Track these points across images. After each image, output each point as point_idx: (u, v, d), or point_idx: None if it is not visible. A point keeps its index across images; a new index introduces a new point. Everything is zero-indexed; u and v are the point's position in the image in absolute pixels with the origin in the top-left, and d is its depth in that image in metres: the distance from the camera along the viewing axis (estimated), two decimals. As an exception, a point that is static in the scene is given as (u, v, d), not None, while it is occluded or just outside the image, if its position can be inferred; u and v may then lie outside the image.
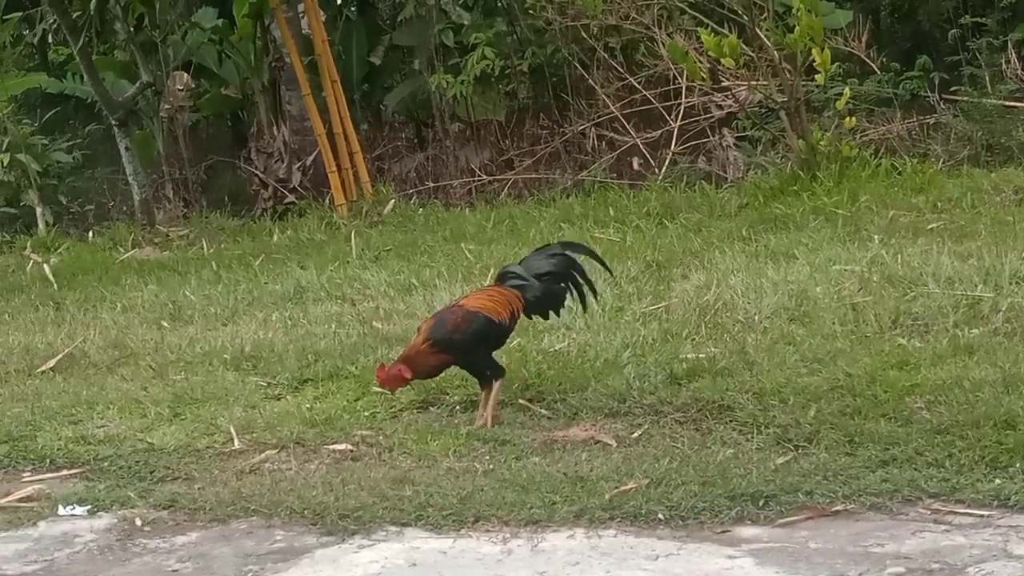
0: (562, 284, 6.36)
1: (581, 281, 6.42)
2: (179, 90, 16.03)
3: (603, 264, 6.90)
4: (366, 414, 6.22)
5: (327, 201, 13.64)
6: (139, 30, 15.02)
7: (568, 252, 6.46)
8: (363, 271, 9.76)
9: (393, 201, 13.16)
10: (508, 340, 6.37)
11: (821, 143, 10.99)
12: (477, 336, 6.04)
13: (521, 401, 6.14)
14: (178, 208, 15.03)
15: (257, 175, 15.09)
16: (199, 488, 5.39)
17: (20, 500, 5.43)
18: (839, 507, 4.76)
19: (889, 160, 11.08)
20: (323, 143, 13.59)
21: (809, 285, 7.56)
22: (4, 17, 14.89)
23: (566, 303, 6.49)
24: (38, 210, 14.44)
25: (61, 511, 5.26)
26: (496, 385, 6.03)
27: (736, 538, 4.61)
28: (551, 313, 6.47)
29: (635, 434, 5.64)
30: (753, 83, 11.83)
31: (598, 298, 6.81)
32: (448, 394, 6.36)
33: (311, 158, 14.60)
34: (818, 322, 6.88)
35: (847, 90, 11.31)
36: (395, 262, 10.08)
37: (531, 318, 6.44)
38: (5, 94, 14.78)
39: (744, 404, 5.75)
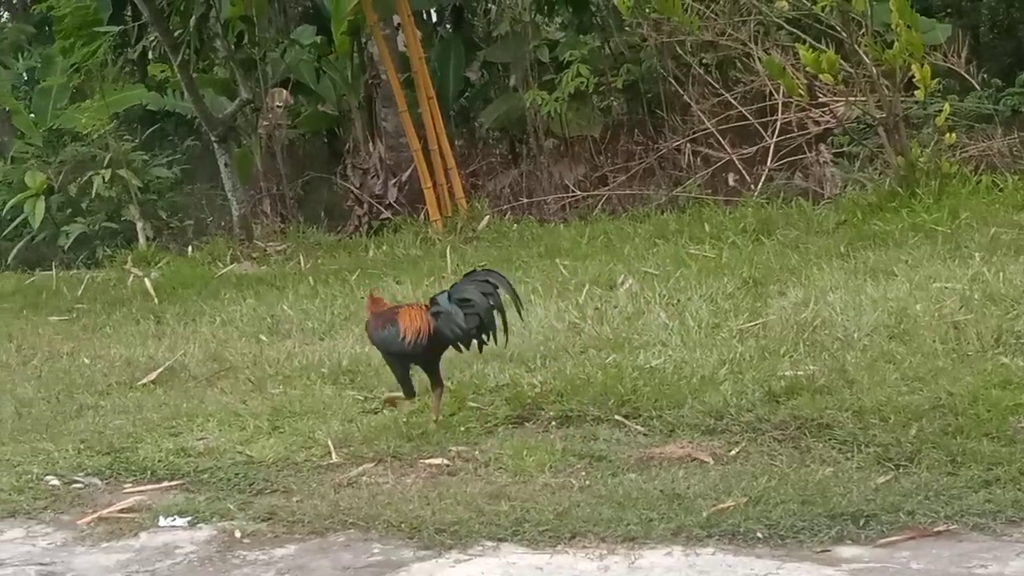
0: (476, 317, 6.23)
1: (495, 309, 6.29)
2: (277, 107, 16.20)
3: (516, 300, 6.54)
4: (461, 429, 6.22)
5: (422, 217, 13.71)
6: (239, 47, 15.22)
7: (490, 280, 6.35)
8: (457, 286, 9.76)
9: (488, 217, 13.20)
10: (428, 361, 6.36)
11: (920, 159, 10.86)
12: (382, 342, 6.41)
13: (617, 417, 6.11)
14: (275, 223, 15.19)
15: (353, 191, 15.20)
16: (297, 501, 5.42)
17: (122, 511, 5.47)
18: (941, 527, 4.68)
19: (990, 177, 10.91)
20: (419, 159, 13.66)
21: (909, 303, 7.45)
22: (105, 33, 15.13)
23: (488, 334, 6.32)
24: (139, 225, 14.68)
25: (162, 522, 5.31)
26: (404, 400, 6.46)
27: (836, 558, 4.54)
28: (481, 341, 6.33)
29: (733, 451, 5.59)
30: (851, 99, 11.70)
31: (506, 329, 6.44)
32: (544, 410, 6.34)
33: (406, 174, 14.69)
34: (918, 340, 6.78)
35: (947, 106, 11.16)
36: (490, 277, 10.07)
37: (460, 348, 6.33)
38: (107, 111, 15.01)
39: (843, 422, 5.67)
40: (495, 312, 6.28)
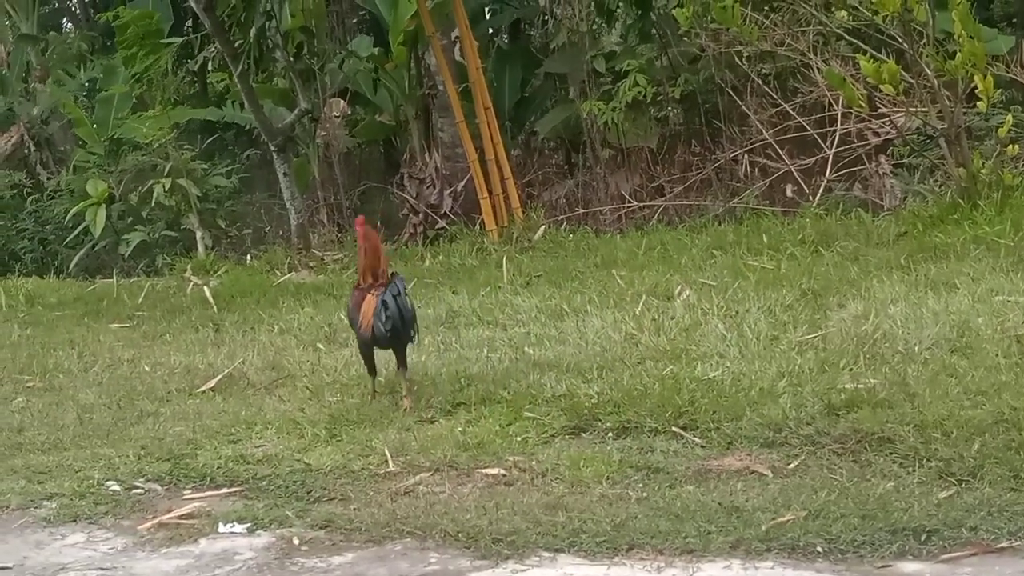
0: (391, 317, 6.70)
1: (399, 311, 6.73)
2: (335, 117, 16.30)
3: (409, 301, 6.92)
4: (518, 439, 6.21)
5: (478, 227, 13.71)
6: (298, 58, 15.31)
7: (396, 283, 6.85)
8: (514, 296, 9.78)
9: (544, 227, 13.18)
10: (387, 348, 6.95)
11: (982, 171, 10.73)
12: (352, 323, 7.02)
13: (674, 429, 6.08)
14: (332, 232, 15.25)
15: (409, 201, 15.24)
16: (355, 509, 5.42)
17: (181, 517, 5.50)
18: (1004, 544, 4.62)
19: (1053, 188, 10.78)
20: (475, 169, 13.67)
21: (971, 316, 7.38)
22: (167, 44, 15.28)
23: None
24: (198, 234, 14.78)
25: (221, 529, 5.33)
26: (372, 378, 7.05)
27: (897, 573, 4.50)
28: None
29: (792, 465, 5.54)
30: (912, 110, 11.60)
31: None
32: (600, 420, 6.32)
33: (462, 184, 14.71)
34: (981, 354, 6.70)
35: (1009, 117, 11.02)
36: (546, 288, 10.08)
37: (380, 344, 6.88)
38: (168, 120, 15.13)
39: (905, 436, 5.61)
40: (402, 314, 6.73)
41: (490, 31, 18.71)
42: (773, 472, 5.48)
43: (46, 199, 17.12)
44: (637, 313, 8.53)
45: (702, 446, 5.89)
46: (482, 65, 14.41)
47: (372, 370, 7.08)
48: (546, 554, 4.81)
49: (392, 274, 7.05)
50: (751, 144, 13.65)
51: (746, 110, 13.62)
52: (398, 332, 6.75)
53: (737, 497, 5.18)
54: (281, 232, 15.66)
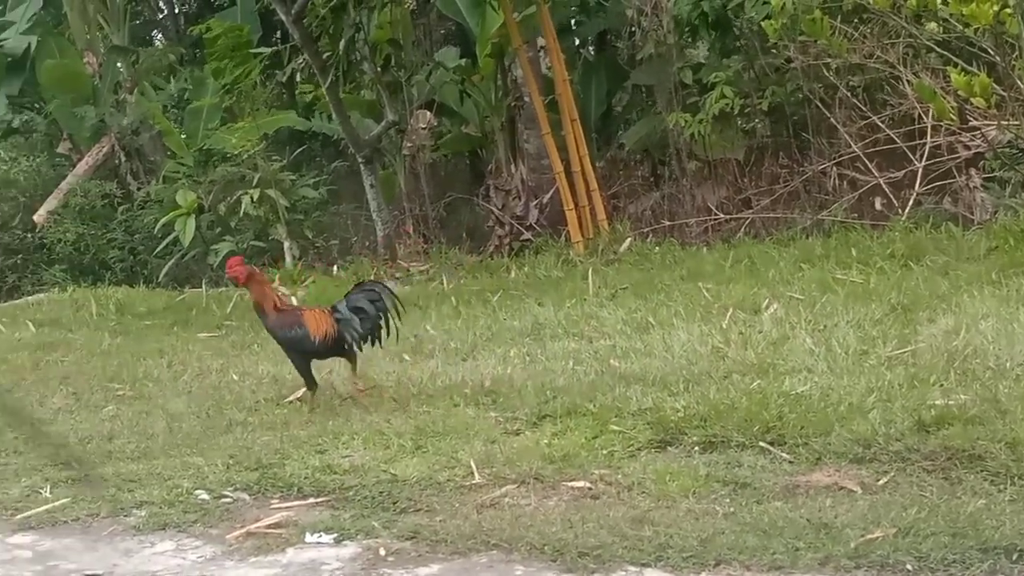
0: (369, 321, 7.52)
1: (382, 314, 7.56)
2: (422, 128, 16.37)
3: (397, 303, 7.78)
4: (604, 452, 6.20)
5: (563, 238, 13.72)
6: (385, 70, 15.42)
7: (375, 289, 7.69)
8: (600, 309, 9.78)
9: (630, 239, 13.17)
10: (323, 359, 7.72)
11: (1075, 185, 10.58)
12: (289, 341, 7.56)
13: (762, 444, 6.04)
14: (418, 244, 15.32)
15: (494, 212, 15.28)
16: (440, 520, 5.44)
17: (269, 527, 5.55)
18: (1098, 564, 4.54)
19: None
20: (561, 181, 13.68)
21: (1064, 332, 7.27)
22: (256, 55, 15.44)
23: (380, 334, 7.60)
24: (285, 244, 14.91)
25: (308, 538, 5.37)
26: (306, 392, 7.63)
27: (988, 592, 4.44)
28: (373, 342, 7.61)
29: (881, 481, 5.48)
30: (1003, 123, 11.45)
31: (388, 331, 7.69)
32: (687, 434, 6.29)
33: (548, 196, 14.73)
34: (1074, 370, 6.61)
35: (1102, 131, 10.87)
36: (632, 300, 10.06)
37: (353, 350, 7.55)
38: (257, 131, 15.29)
39: (996, 454, 5.54)
40: (382, 317, 7.56)
41: (576, 43, 18.71)
42: (862, 488, 5.42)
43: (136, 209, 17.38)
44: (724, 326, 8.50)
45: (790, 461, 5.84)
46: (568, 77, 14.42)
47: (313, 383, 7.63)
48: (632, 568, 4.80)
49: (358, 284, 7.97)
50: (839, 157, 13.52)
51: (834, 122, 13.49)
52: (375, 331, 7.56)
53: (826, 513, 5.13)
54: (367, 243, 15.78)
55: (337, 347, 7.55)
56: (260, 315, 7.81)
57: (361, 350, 7.60)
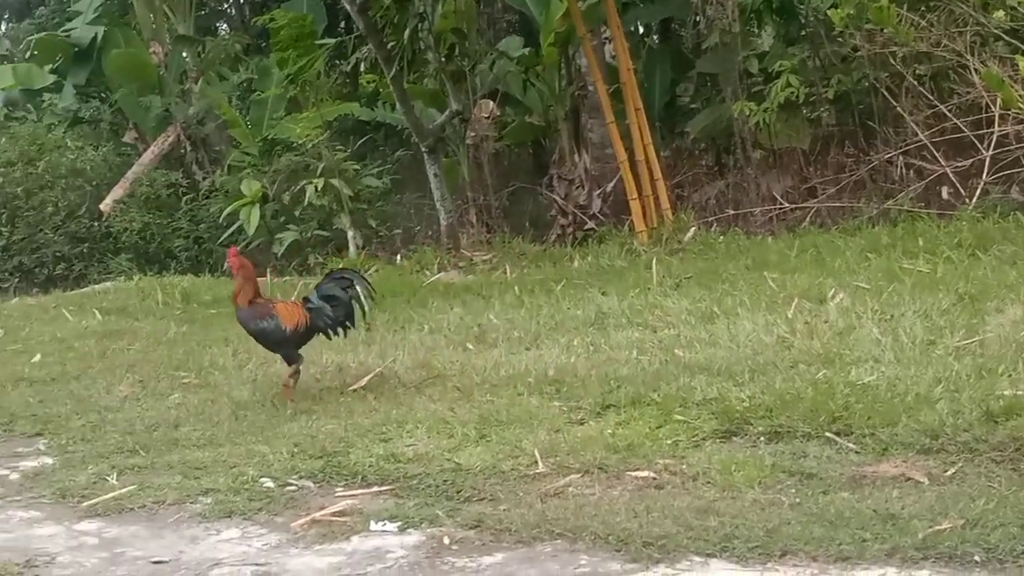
0: (342, 308, 7.78)
1: (356, 302, 7.83)
2: (485, 118, 16.37)
3: (370, 288, 8.17)
4: (668, 442, 6.18)
5: (627, 228, 13.69)
6: (449, 59, 15.43)
7: (346, 276, 7.98)
8: (664, 298, 9.74)
9: (694, 228, 13.12)
10: (302, 346, 7.83)
11: None
12: (261, 332, 7.77)
13: (828, 434, 5.99)
14: (481, 233, 15.34)
15: (558, 202, 15.27)
16: (504, 509, 5.43)
17: (334, 515, 5.57)
18: None
19: None
20: (625, 170, 13.65)
21: None
22: (321, 46, 15.49)
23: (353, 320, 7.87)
24: (349, 233, 14.96)
25: (373, 527, 5.38)
26: (289, 367, 7.80)
27: (1059, 585, 4.38)
28: (346, 327, 7.87)
29: (949, 472, 5.42)
30: (1073, 111, 11.31)
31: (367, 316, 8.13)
32: (752, 424, 6.26)
33: (611, 185, 14.70)
34: None
35: None
36: (696, 290, 10.03)
37: (330, 335, 7.87)
38: (320, 121, 15.35)
39: (1066, 445, 5.47)
40: (354, 303, 7.81)
41: (641, 31, 18.63)
42: (929, 479, 5.37)
43: (201, 199, 17.51)
44: (789, 316, 8.45)
45: (856, 452, 5.79)
46: (632, 66, 14.37)
47: (297, 358, 7.84)
48: (697, 559, 4.77)
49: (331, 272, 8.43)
50: (906, 145, 13.40)
51: (901, 111, 13.37)
52: (348, 317, 7.83)
53: (893, 504, 5.08)
54: (430, 232, 15.82)
55: (309, 335, 7.83)
56: (234, 306, 8.04)
57: (331, 337, 7.91)
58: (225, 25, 23.82)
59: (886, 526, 4.84)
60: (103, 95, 19.64)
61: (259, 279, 9.26)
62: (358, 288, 7.89)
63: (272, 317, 7.74)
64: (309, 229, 15.41)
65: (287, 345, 7.79)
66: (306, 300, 7.87)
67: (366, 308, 7.97)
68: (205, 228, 17.23)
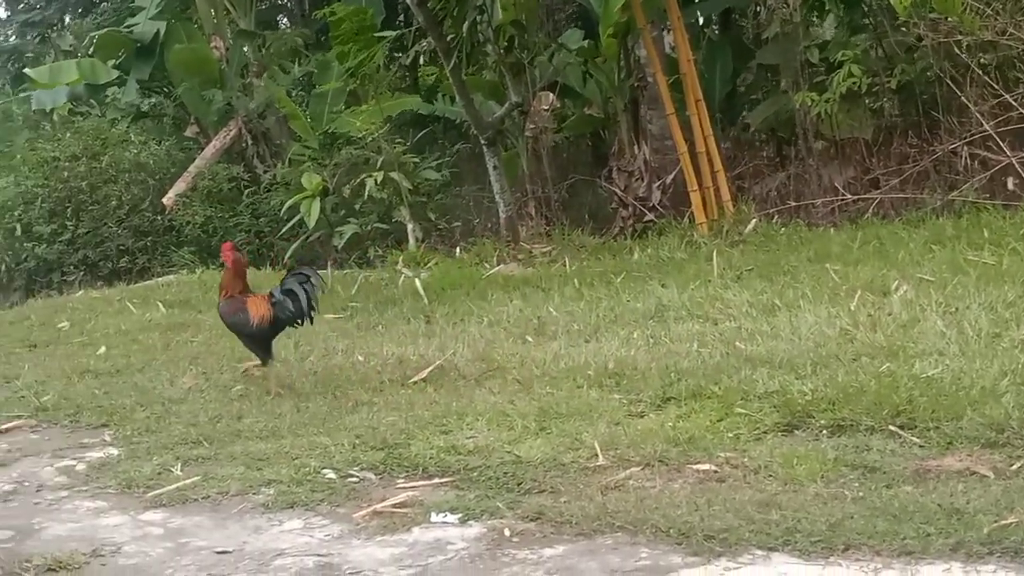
0: (297, 301, 8.11)
1: (310, 296, 8.15)
2: (544, 110, 16.36)
3: (322, 283, 8.96)
4: (729, 435, 6.16)
5: (687, 220, 13.63)
6: (508, 52, 15.42)
7: (304, 272, 8.34)
8: (724, 290, 9.70)
9: (755, 220, 13.05)
10: (272, 338, 8.28)
11: None
12: (235, 325, 8.26)
13: (891, 427, 5.94)
14: (540, 226, 15.33)
15: (617, 194, 15.23)
16: (565, 502, 5.43)
17: (395, 506, 5.59)
18: None
19: None
20: (685, 162, 13.60)
21: None
22: (381, 39, 15.52)
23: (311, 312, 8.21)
24: (409, 226, 14.98)
25: (434, 518, 5.40)
26: (254, 364, 8.43)
27: None
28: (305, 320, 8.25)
29: (1015, 466, 5.36)
30: None
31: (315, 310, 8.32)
32: (814, 418, 6.22)
33: (671, 177, 14.64)
34: None
35: None
36: (757, 282, 9.98)
37: (295, 325, 8.27)
38: (381, 115, 15.39)
39: None
40: (311, 297, 8.16)
41: (700, 22, 18.55)
42: (995, 473, 5.31)
43: (262, 192, 17.62)
44: (852, 308, 8.39)
45: (920, 446, 5.74)
46: (692, 57, 14.31)
47: (268, 359, 8.30)
48: (759, 552, 4.75)
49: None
50: (971, 136, 13.26)
51: (965, 101, 13.23)
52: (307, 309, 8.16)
53: (957, 498, 5.03)
54: (490, 225, 15.84)
55: (277, 327, 8.23)
56: (218, 299, 8.50)
57: (297, 326, 8.30)
58: (285, 19, 23.95)
59: (951, 520, 4.80)
60: (166, 90, 19.80)
61: (321, 271, 9.50)
62: (314, 282, 8.27)
63: (244, 311, 8.16)
64: (369, 222, 15.43)
65: (255, 339, 8.24)
66: (270, 295, 8.21)
67: (316, 301, 8.30)
68: (266, 222, 17.36)
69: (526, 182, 16.32)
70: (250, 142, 18.57)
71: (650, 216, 14.71)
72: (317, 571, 4.95)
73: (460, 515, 5.41)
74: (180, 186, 17.82)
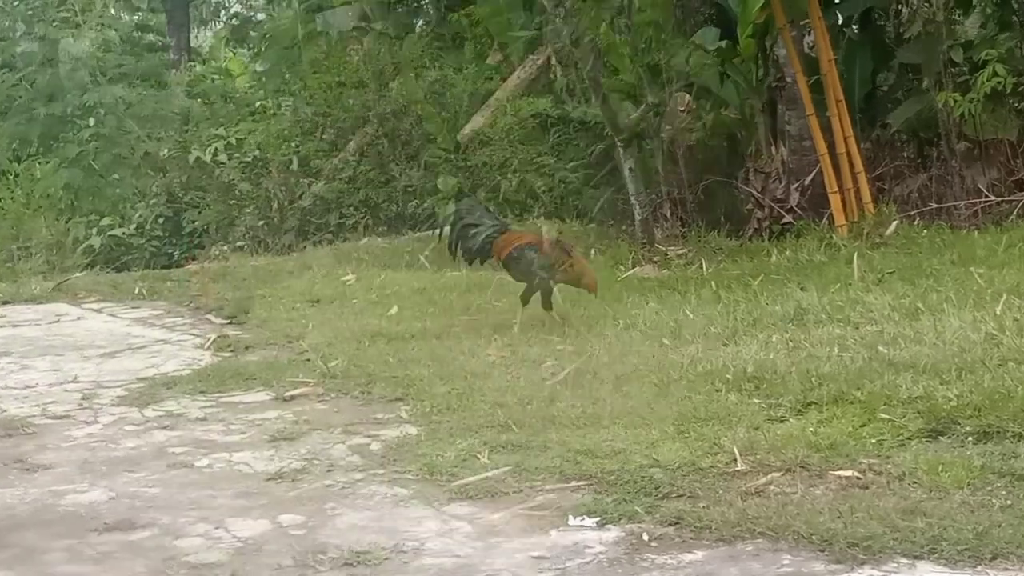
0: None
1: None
2: (681, 111, 16.27)
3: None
4: (872, 441, 6.08)
5: (825, 222, 13.48)
6: (646, 52, 15.35)
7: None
8: (865, 294, 9.58)
9: (896, 222, 12.86)
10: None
11: None
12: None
13: (1041, 434, 5.83)
14: (676, 227, 15.23)
15: (754, 195, 15.10)
16: (704, 507, 5.40)
17: (532, 508, 5.60)
18: None
19: None
20: (825, 163, 13.45)
21: None
22: (516, 39, 15.52)
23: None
24: (543, 228, 14.94)
25: (571, 521, 5.39)
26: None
27: None
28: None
29: None
30: None
31: None
32: (959, 424, 6.13)
33: (809, 178, 14.48)
34: None
35: None
36: (899, 285, 9.84)
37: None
38: (516, 116, 15.38)
39: None
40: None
41: (840, 21, 18.30)
42: None
43: (571, 131, 17.10)
44: (998, 312, 8.23)
45: (1074, 452, 5.62)
46: (833, 56, 14.13)
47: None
48: (904, 561, 4.69)
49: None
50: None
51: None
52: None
53: (1115, 507, 4.91)
54: (624, 227, 15.75)
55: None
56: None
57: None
58: (422, 22, 24.04)
59: (1103, 530, 4.68)
60: (467, 10, 18.37)
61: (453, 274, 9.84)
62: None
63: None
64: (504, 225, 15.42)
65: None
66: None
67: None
68: (573, 167, 16.36)
69: (661, 184, 16.23)
70: (559, 74, 17.34)
71: (788, 218, 14.55)
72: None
73: (598, 519, 5.39)
74: (478, 120, 16.82)
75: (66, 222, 19.17)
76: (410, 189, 16.31)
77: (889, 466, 5.69)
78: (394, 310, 9.96)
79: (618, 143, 14.37)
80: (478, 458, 6.22)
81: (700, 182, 16.81)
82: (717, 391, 7.19)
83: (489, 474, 5.96)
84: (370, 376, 8.00)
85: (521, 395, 7.28)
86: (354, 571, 4.93)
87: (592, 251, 14.30)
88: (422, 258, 11.90)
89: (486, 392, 7.42)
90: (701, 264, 12.57)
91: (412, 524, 5.45)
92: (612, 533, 5.25)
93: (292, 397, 7.71)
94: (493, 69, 18.20)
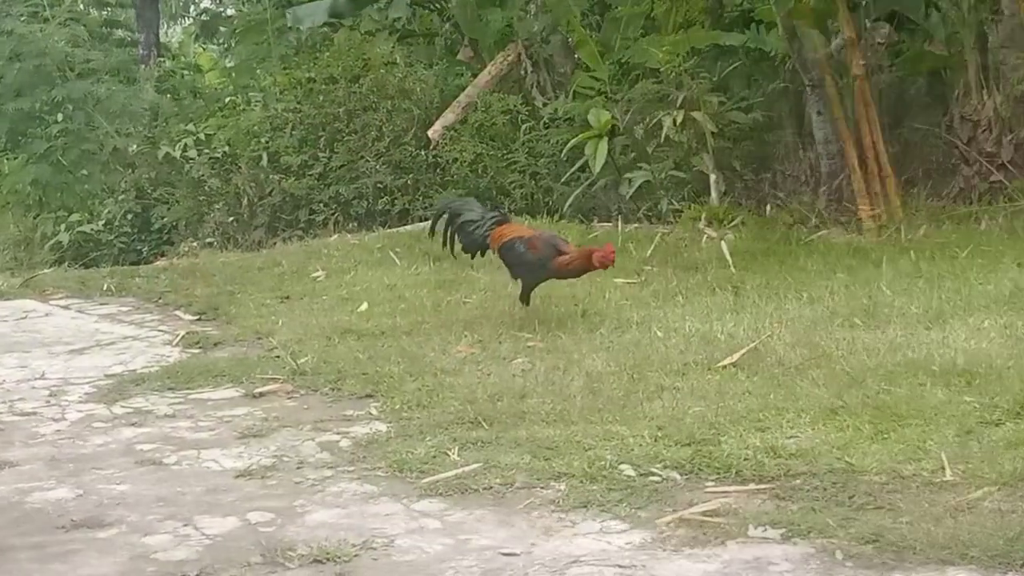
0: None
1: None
2: (879, 43, 16.03)
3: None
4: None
5: (1050, 184, 13.26)
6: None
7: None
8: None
9: None
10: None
11: None
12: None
13: None
14: (869, 183, 15.05)
15: (959, 146, 14.87)
16: (907, 523, 5.36)
17: (704, 514, 5.61)
18: None
19: None
20: (1051, 112, 13.20)
21: None
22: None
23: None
24: (711, 177, 14.87)
25: (752, 532, 5.40)
26: None
27: None
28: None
29: None
30: None
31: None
32: None
33: (1026, 130, 14.22)
34: None
35: None
36: None
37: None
38: (686, 46, 15.27)
39: None
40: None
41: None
42: None
43: (541, 128, 17.66)
44: None
45: None
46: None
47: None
48: None
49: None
50: None
51: None
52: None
53: None
54: (807, 180, 15.60)
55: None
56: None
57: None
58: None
59: None
60: (438, 6, 19.89)
61: (605, 224, 9.99)
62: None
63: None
64: (663, 169, 15.38)
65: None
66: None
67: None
68: (544, 163, 17.37)
69: (852, 130, 16.04)
70: (530, 70, 18.62)
71: (999, 176, 14.32)
72: (617, 585, 5.02)
73: (782, 530, 5.39)
74: (449, 117, 17.85)
75: (34, 218, 21.86)
76: (380, 186, 17.60)
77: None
78: (364, 307, 10.50)
79: (806, 82, 14.23)
80: (448, 455, 6.55)
81: (897, 129, 16.58)
82: (921, 385, 7.14)
83: (459, 471, 6.28)
84: (340, 373, 8.43)
85: (492, 391, 7.65)
86: (323, 568, 5.24)
87: (768, 207, 14.19)
88: (392, 255, 12.43)
89: (456, 389, 7.80)
90: (899, 228, 12.41)
91: (381, 521, 5.75)
92: (799, 548, 5.19)
93: (261, 394, 8.15)
94: (464, 65, 19.46)
